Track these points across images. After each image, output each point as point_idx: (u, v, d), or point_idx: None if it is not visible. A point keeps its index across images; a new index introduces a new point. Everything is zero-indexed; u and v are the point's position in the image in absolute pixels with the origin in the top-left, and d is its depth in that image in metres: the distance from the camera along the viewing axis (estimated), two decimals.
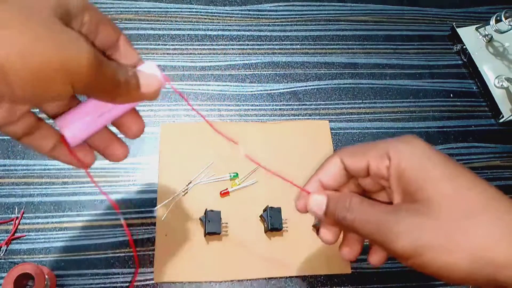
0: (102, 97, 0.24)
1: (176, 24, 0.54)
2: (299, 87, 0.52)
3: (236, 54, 0.53)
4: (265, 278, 0.41)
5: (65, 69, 0.20)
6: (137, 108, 0.28)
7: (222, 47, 0.53)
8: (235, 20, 0.56)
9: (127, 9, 0.54)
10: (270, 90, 0.51)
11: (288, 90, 0.52)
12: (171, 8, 0.55)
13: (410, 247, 0.25)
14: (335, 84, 0.53)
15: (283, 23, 0.56)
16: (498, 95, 0.53)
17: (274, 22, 0.56)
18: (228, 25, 0.55)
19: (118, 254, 0.41)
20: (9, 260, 0.40)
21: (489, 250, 0.23)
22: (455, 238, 0.24)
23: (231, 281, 0.41)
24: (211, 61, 0.52)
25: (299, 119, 0.50)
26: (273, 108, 0.50)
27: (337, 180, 0.30)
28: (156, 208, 0.43)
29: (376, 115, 0.51)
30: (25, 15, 0.19)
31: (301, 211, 0.31)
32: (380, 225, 0.25)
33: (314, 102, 0.51)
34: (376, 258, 0.29)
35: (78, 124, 0.25)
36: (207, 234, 0.41)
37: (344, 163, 0.29)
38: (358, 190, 0.31)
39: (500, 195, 0.25)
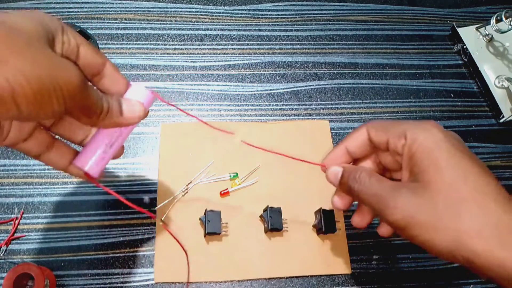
0: (85, 119, 0.26)
1: (176, 24, 0.54)
2: (299, 87, 0.52)
3: (236, 54, 0.53)
4: (265, 278, 0.41)
5: (59, 89, 0.23)
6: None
7: (222, 47, 0.53)
8: (235, 20, 0.56)
9: (126, 9, 0.54)
10: (270, 90, 0.51)
11: (288, 90, 0.52)
12: (171, 8, 0.55)
13: (402, 221, 0.28)
14: (335, 84, 0.53)
15: (283, 23, 0.56)
16: (499, 95, 0.53)
17: (274, 22, 0.56)
18: (228, 25, 0.55)
19: (118, 254, 0.41)
20: (9, 260, 0.40)
21: (470, 238, 0.26)
22: (443, 220, 0.27)
23: (231, 281, 0.41)
24: (211, 61, 0.52)
25: (299, 119, 0.50)
26: (273, 108, 0.50)
27: (361, 148, 0.34)
28: (156, 208, 0.43)
29: (376, 115, 0.51)
30: (25, 43, 0.22)
31: (329, 180, 0.35)
32: (380, 198, 0.29)
33: (314, 102, 0.51)
34: (384, 230, 0.34)
35: (94, 159, 0.29)
36: (207, 234, 0.41)
37: (369, 134, 0.33)
38: (379, 168, 0.35)
39: (497, 191, 0.27)
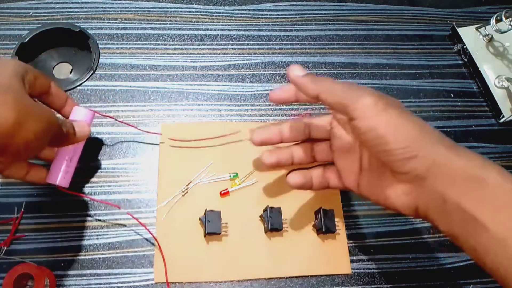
0: (57, 143, 0.36)
1: (176, 24, 0.54)
2: None
3: (236, 54, 0.53)
4: (265, 278, 0.41)
5: (49, 128, 0.32)
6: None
7: (222, 47, 0.53)
8: (235, 20, 0.56)
9: (126, 9, 0.54)
10: (270, 90, 0.51)
11: None
12: (171, 8, 0.55)
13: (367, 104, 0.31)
14: None
15: (283, 23, 0.56)
16: (499, 95, 0.53)
17: (274, 22, 0.56)
18: (228, 25, 0.55)
19: (118, 254, 0.41)
20: (9, 260, 0.40)
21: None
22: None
23: (231, 281, 0.41)
24: (211, 61, 0.52)
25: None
26: (273, 108, 0.50)
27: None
28: (156, 208, 0.43)
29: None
30: (16, 94, 0.29)
31: (274, 98, 0.38)
32: (351, 87, 0.32)
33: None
34: (294, 178, 0.38)
35: (62, 174, 0.38)
36: (207, 234, 0.41)
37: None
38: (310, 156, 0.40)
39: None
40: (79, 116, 0.39)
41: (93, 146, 0.46)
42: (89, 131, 0.39)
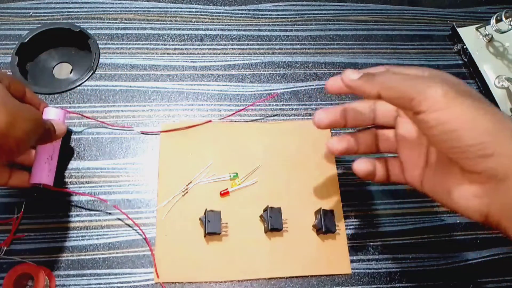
0: (41, 141, 0.38)
1: (176, 24, 0.54)
2: (299, 87, 0.52)
3: (236, 54, 0.53)
4: (265, 278, 0.41)
5: (36, 127, 0.34)
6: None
7: (222, 47, 0.53)
8: (235, 20, 0.56)
9: (126, 9, 0.54)
10: (270, 90, 0.51)
11: (288, 90, 0.51)
12: (171, 8, 0.55)
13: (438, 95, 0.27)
14: None
15: (283, 23, 0.56)
16: (499, 95, 0.53)
17: (274, 22, 0.56)
18: (228, 25, 0.55)
19: (118, 254, 0.41)
20: (9, 260, 0.40)
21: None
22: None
23: (231, 281, 0.41)
24: (211, 61, 0.52)
25: (299, 119, 0.50)
26: (273, 108, 0.50)
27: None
28: (156, 208, 0.43)
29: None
30: (3, 97, 0.31)
31: (329, 86, 0.34)
32: (416, 76, 0.28)
33: (314, 102, 0.51)
34: (361, 166, 0.36)
35: (46, 173, 0.40)
36: (207, 234, 0.41)
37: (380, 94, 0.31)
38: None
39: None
40: (52, 115, 0.41)
41: (93, 146, 0.46)
42: (66, 129, 0.41)
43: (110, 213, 0.43)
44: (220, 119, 0.48)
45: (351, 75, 0.31)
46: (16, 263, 0.39)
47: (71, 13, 0.53)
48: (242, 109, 0.48)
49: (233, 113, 0.48)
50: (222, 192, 0.44)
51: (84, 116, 0.46)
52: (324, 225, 0.42)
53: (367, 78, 0.30)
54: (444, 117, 0.26)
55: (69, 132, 0.46)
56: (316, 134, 0.49)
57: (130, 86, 0.49)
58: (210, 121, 0.48)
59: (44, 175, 0.39)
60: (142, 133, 0.47)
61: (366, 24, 0.58)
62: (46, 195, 0.43)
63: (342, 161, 0.48)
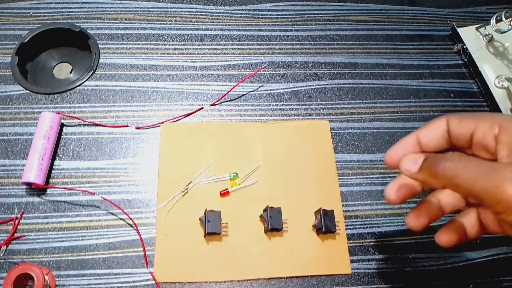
0: None
1: (176, 24, 0.54)
2: (299, 87, 0.52)
3: (236, 54, 0.53)
4: (265, 278, 0.41)
5: None
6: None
7: (222, 47, 0.53)
8: (235, 20, 0.56)
9: (126, 9, 0.54)
10: (270, 90, 0.51)
11: (288, 90, 0.52)
12: (171, 8, 0.55)
13: None
14: (335, 84, 0.53)
15: (283, 23, 0.56)
16: (499, 95, 0.53)
17: (274, 22, 0.56)
18: (228, 25, 0.55)
19: (118, 254, 0.41)
20: (9, 260, 0.40)
21: None
22: None
23: (231, 281, 0.41)
24: (211, 61, 0.52)
25: (299, 119, 0.50)
26: (273, 108, 0.50)
27: (436, 142, 0.30)
28: (156, 208, 0.43)
29: (376, 115, 0.51)
30: None
31: (388, 162, 0.30)
32: (485, 170, 0.24)
33: (314, 102, 0.51)
34: (445, 238, 0.30)
35: (36, 171, 0.41)
36: (207, 234, 0.41)
37: (449, 125, 0.29)
38: None
39: None
40: (47, 119, 0.44)
41: (93, 146, 0.46)
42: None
43: (110, 213, 0.43)
44: (211, 104, 0.49)
45: (410, 167, 0.28)
46: (16, 263, 0.39)
47: (71, 13, 0.53)
48: (230, 90, 0.49)
49: (223, 96, 0.49)
50: (222, 192, 0.44)
51: (73, 117, 0.47)
52: (324, 225, 0.42)
53: (430, 172, 0.27)
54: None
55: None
56: (316, 134, 0.49)
57: (130, 86, 0.49)
58: (202, 108, 0.49)
59: (34, 174, 0.41)
60: (137, 128, 0.47)
61: (366, 24, 0.58)
62: (46, 195, 0.43)
63: (342, 161, 0.48)
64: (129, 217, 0.42)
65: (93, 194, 0.43)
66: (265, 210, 0.43)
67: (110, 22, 0.53)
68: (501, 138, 0.26)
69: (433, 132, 0.30)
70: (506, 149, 0.26)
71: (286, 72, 0.53)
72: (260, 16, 0.56)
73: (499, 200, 0.23)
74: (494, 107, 0.53)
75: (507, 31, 0.53)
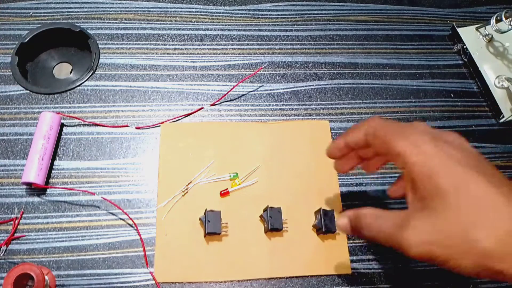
0: None
1: (176, 24, 0.54)
2: (299, 87, 0.52)
3: (236, 54, 0.53)
4: (265, 278, 0.41)
5: None
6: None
7: (222, 47, 0.53)
8: (235, 20, 0.56)
9: (126, 9, 0.54)
10: (270, 90, 0.51)
11: (288, 90, 0.52)
12: (171, 8, 0.55)
13: (423, 255, 0.28)
14: (335, 84, 0.53)
15: (283, 23, 0.56)
16: (499, 95, 0.53)
17: (274, 22, 0.56)
18: (228, 25, 0.55)
19: (118, 254, 0.41)
20: (9, 260, 0.40)
21: (492, 260, 0.25)
22: (461, 246, 0.26)
23: (231, 281, 0.41)
24: (211, 61, 0.52)
25: (299, 119, 0.50)
26: (273, 108, 0.50)
27: (358, 144, 0.35)
28: (156, 208, 0.43)
29: (376, 115, 0.51)
30: None
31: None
32: (394, 238, 0.30)
33: (314, 102, 0.51)
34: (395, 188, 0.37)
35: (36, 171, 0.42)
36: (207, 234, 0.41)
37: (366, 135, 0.34)
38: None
39: (505, 191, 0.26)
40: (47, 119, 0.44)
41: (93, 146, 0.46)
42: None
43: (110, 213, 0.43)
44: (211, 104, 0.49)
45: (341, 223, 0.35)
46: (16, 263, 0.39)
47: (71, 13, 0.53)
48: (230, 90, 0.49)
49: (223, 96, 0.48)
50: (222, 192, 0.44)
51: (73, 117, 0.47)
52: (324, 225, 0.42)
53: (362, 237, 0.34)
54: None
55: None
56: (316, 134, 0.49)
57: (130, 86, 0.49)
58: (202, 108, 0.49)
59: (34, 174, 0.41)
60: (137, 128, 0.47)
61: (366, 24, 0.58)
62: (46, 195, 0.43)
63: None
64: (129, 217, 0.42)
65: (93, 194, 0.43)
66: (265, 210, 0.43)
67: (110, 22, 0.53)
68: (405, 174, 0.31)
69: (356, 139, 0.35)
70: (410, 191, 0.30)
71: (286, 72, 0.53)
72: (260, 16, 0.56)
73: (408, 255, 0.29)
74: (494, 107, 0.53)
75: (507, 31, 0.53)
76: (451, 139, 0.31)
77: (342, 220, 0.35)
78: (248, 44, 0.54)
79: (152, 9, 0.55)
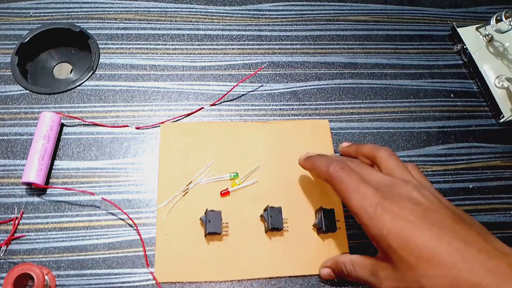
0: None
1: (176, 24, 0.54)
2: (299, 87, 0.52)
3: (236, 54, 0.53)
4: (266, 278, 0.41)
5: None
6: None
7: (222, 47, 0.53)
8: (235, 20, 0.56)
9: (126, 9, 0.54)
10: (270, 90, 0.51)
11: (288, 90, 0.52)
12: (171, 8, 0.55)
13: None
14: (335, 84, 0.53)
15: (283, 23, 0.56)
16: (499, 95, 0.53)
17: (274, 22, 0.56)
18: (228, 25, 0.55)
19: (118, 254, 0.41)
20: (9, 260, 0.40)
21: None
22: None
23: (231, 281, 0.41)
24: (211, 61, 0.52)
25: (299, 119, 0.50)
26: (273, 108, 0.50)
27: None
28: (156, 208, 0.43)
29: (376, 115, 0.51)
30: None
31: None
32: (371, 283, 0.35)
33: (314, 102, 0.51)
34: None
35: (35, 172, 0.41)
36: (208, 234, 0.41)
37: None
38: None
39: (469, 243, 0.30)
40: (47, 119, 0.44)
41: (93, 146, 0.46)
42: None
43: (110, 213, 0.43)
44: (210, 104, 0.49)
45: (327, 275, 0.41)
46: (16, 263, 0.39)
47: (71, 13, 0.53)
48: (230, 90, 0.49)
49: (223, 96, 0.48)
50: (222, 192, 0.44)
51: (73, 117, 0.47)
52: (325, 224, 0.42)
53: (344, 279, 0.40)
54: None
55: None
56: (316, 134, 0.49)
57: (130, 86, 0.49)
58: (202, 108, 0.49)
59: (34, 174, 0.41)
60: (137, 128, 0.47)
61: (366, 24, 0.58)
62: (46, 195, 0.43)
63: None
64: (129, 217, 0.42)
65: (93, 194, 0.43)
66: (265, 210, 0.43)
67: (110, 22, 0.53)
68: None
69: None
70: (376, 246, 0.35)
71: (286, 72, 0.53)
72: (260, 16, 0.56)
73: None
74: (494, 107, 0.53)
75: (507, 31, 0.53)
76: (406, 191, 0.34)
77: (324, 270, 0.41)
78: (248, 44, 0.54)
79: (152, 9, 0.55)
